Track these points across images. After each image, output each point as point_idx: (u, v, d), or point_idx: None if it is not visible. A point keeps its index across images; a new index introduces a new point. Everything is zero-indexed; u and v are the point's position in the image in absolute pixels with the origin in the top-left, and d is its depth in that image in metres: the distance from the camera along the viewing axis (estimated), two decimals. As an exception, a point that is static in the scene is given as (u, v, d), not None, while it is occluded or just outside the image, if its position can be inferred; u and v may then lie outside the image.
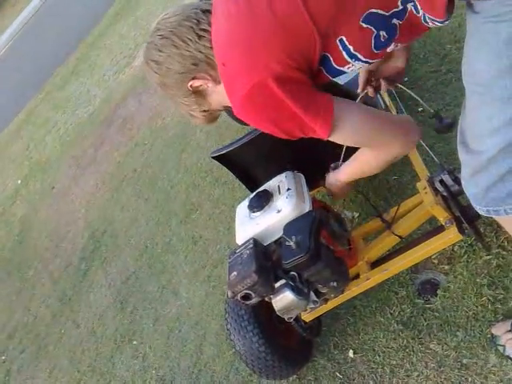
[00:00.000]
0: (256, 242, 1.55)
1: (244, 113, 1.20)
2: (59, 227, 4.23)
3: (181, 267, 2.81)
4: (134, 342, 2.69)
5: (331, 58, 1.17)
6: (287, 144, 1.33)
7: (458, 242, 1.68)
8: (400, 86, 1.64)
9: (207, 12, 1.25)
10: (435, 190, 1.60)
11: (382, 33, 1.13)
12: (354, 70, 1.22)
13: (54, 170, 5.17)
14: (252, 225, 1.61)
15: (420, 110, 2.31)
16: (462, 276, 1.75)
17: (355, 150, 1.45)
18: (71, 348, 3.07)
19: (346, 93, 1.66)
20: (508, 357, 1.52)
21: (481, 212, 1.19)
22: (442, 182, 1.57)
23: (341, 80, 1.76)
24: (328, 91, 1.21)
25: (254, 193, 1.69)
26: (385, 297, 1.89)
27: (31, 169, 5.66)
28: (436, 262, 1.85)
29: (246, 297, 1.51)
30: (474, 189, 1.17)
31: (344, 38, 1.12)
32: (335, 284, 1.55)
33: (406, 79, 2.49)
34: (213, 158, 1.94)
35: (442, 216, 1.57)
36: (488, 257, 1.73)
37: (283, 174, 1.68)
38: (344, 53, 1.15)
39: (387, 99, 2.14)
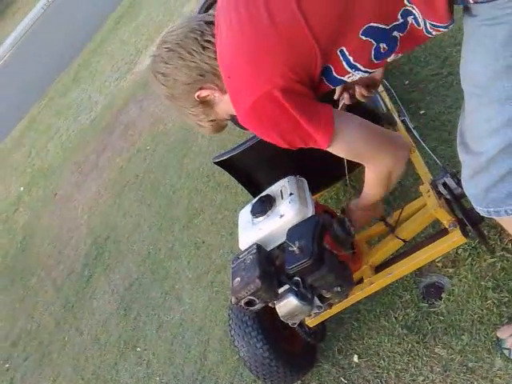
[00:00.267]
0: (259, 248, 1.54)
1: (249, 123, 1.22)
2: (62, 234, 4.23)
3: (184, 273, 2.80)
4: (138, 349, 2.68)
5: (332, 69, 1.18)
6: (289, 149, 1.33)
7: (461, 244, 1.67)
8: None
9: (211, 24, 1.27)
10: (438, 193, 1.60)
11: (382, 45, 1.15)
12: (354, 79, 1.23)
13: (56, 177, 5.18)
14: (255, 230, 1.61)
15: (422, 112, 2.31)
16: (467, 279, 1.74)
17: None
18: (75, 355, 3.06)
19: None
20: (514, 360, 1.51)
21: (481, 213, 1.20)
22: (445, 184, 1.56)
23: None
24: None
25: (257, 198, 1.68)
26: (389, 301, 1.89)
27: (33, 176, 5.66)
28: (440, 265, 1.84)
29: (250, 303, 1.50)
30: (473, 190, 1.18)
31: (344, 49, 1.14)
32: (339, 289, 1.54)
33: (407, 82, 2.49)
34: (215, 163, 1.94)
35: (445, 219, 1.57)
36: (492, 259, 1.72)
37: (286, 179, 1.68)
38: (344, 63, 1.17)
39: (388, 102, 2.14)
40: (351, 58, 1.15)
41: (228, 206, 2.89)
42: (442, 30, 1.11)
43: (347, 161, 1.62)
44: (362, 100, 1.66)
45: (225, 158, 1.89)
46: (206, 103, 1.34)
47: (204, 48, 1.25)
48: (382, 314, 1.88)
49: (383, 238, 1.80)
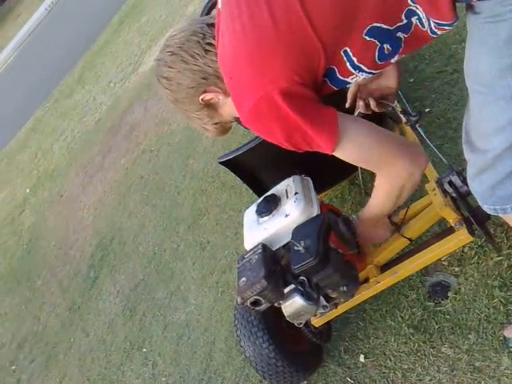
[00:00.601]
0: (264, 247, 1.54)
1: (251, 125, 1.21)
2: (68, 235, 4.24)
3: (189, 273, 2.80)
4: (144, 350, 2.69)
5: (336, 70, 1.17)
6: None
7: (468, 243, 1.66)
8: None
9: (212, 26, 1.27)
10: (444, 192, 1.59)
11: (386, 46, 1.13)
12: (357, 80, 1.22)
13: (61, 178, 5.19)
14: (260, 230, 1.60)
15: (427, 110, 2.30)
16: (473, 278, 1.73)
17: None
18: (81, 356, 3.06)
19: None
20: (521, 359, 1.50)
21: (488, 210, 1.20)
22: (450, 183, 1.55)
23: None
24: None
25: (262, 197, 1.68)
26: (395, 300, 1.88)
27: (39, 177, 5.68)
28: (446, 263, 1.83)
29: (256, 303, 1.50)
30: (479, 187, 1.18)
31: (348, 50, 1.12)
32: (345, 288, 1.53)
33: (412, 80, 2.48)
34: (220, 163, 1.94)
35: (451, 217, 1.56)
36: (499, 258, 1.71)
37: (291, 178, 1.67)
38: (348, 64, 1.15)
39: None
40: (355, 59, 1.14)
41: (233, 206, 2.89)
42: (446, 28, 1.10)
43: None
44: (378, 111, 1.59)
45: (230, 157, 1.89)
46: (210, 106, 1.34)
47: (206, 51, 1.26)
48: (388, 314, 1.87)
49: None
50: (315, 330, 1.77)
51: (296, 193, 1.59)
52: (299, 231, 1.51)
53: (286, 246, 1.57)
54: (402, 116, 1.68)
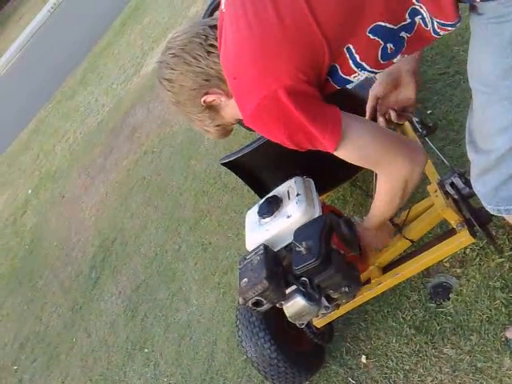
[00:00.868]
0: (266, 248, 1.54)
1: (255, 124, 1.21)
2: (69, 236, 4.25)
3: (191, 274, 2.81)
4: (146, 350, 2.69)
5: (338, 68, 1.17)
6: (296, 150, 1.33)
7: (469, 245, 1.66)
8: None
9: (214, 27, 1.27)
10: (446, 193, 1.59)
11: (389, 45, 1.14)
12: (359, 79, 1.22)
13: (63, 179, 5.21)
14: (262, 231, 1.61)
15: (429, 112, 2.30)
16: (475, 279, 1.74)
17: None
18: (83, 357, 3.07)
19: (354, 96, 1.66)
20: (523, 360, 1.51)
21: (491, 211, 1.19)
22: (452, 184, 1.55)
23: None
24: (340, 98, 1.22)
25: (264, 199, 1.69)
26: (397, 301, 1.88)
27: (41, 178, 5.69)
28: (448, 265, 1.83)
29: (257, 303, 1.50)
30: (483, 188, 1.17)
31: (351, 47, 1.12)
32: (347, 289, 1.54)
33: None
34: (222, 164, 1.94)
35: (453, 219, 1.56)
36: (500, 259, 1.71)
37: (292, 180, 1.68)
38: (351, 61, 1.15)
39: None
40: (358, 57, 1.14)
41: (235, 208, 2.90)
42: (449, 28, 1.10)
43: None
44: (399, 122, 1.58)
45: (232, 159, 1.89)
46: (212, 108, 1.34)
47: (209, 53, 1.26)
48: (389, 315, 1.87)
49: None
50: (317, 331, 1.77)
51: (298, 194, 1.60)
52: (301, 232, 1.51)
53: (288, 247, 1.57)
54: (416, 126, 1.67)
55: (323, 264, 1.43)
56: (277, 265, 1.53)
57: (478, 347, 1.61)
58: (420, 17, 1.09)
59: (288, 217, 1.56)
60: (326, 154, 1.50)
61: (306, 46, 1.11)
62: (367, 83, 1.80)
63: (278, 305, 1.54)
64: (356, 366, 1.85)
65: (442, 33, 1.12)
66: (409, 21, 1.10)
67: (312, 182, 1.71)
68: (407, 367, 1.72)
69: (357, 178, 2.24)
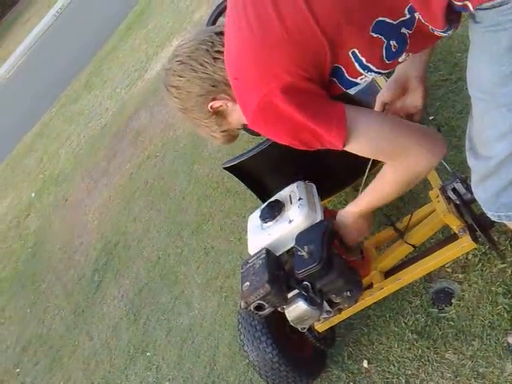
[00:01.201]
0: (268, 252, 1.55)
1: (257, 125, 1.21)
2: (72, 239, 4.26)
3: (193, 278, 2.81)
4: (148, 354, 2.69)
5: (344, 70, 1.17)
6: (298, 154, 1.33)
7: (471, 250, 1.67)
8: None
9: (220, 34, 1.29)
10: (448, 199, 1.60)
11: (393, 42, 1.14)
12: (366, 80, 1.22)
13: (67, 183, 5.22)
14: (264, 235, 1.61)
15: (431, 118, 2.31)
16: (477, 285, 1.74)
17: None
18: (85, 360, 3.07)
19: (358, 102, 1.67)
20: (524, 366, 1.50)
21: (492, 217, 1.20)
22: (454, 190, 1.56)
23: (351, 90, 1.76)
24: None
25: (266, 203, 1.69)
26: (399, 306, 1.88)
27: (45, 182, 5.71)
28: (450, 270, 1.83)
29: (259, 307, 1.51)
30: (483, 194, 1.18)
31: (356, 50, 1.13)
32: (348, 294, 1.54)
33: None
34: (224, 168, 1.95)
35: (455, 224, 1.56)
36: (503, 265, 1.72)
37: (294, 184, 1.68)
38: (357, 64, 1.16)
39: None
40: (363, 59, 1.14)
41: (237, 212, 2.90)
42: (441, 33, 1.11)
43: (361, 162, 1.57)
44: None
45: (234, 163, 1.90)
46: (218, 114, 1.35)
47: (215, 59, 1.27)
48: (391, 320, 1.87)
49: (392, 244, 1.80)
50: (319, 335, 1.77)
51: (300, 198, 1.60)
52: (303, 237, 1.52)
53: (290, 252, 1.58)
54: None
55: (325, 268, 1.44)
56: (279, 269, 1.54)
57: (480, 352, 1.61)
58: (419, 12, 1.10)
59: (290, 221, 1.57)
60: (328, 158, 1.51)
61: (306, 46, 1.12)
62: (371, 89, 1.81)
63: (279, 309, 1.55)
64: (358, 370, 1.85)
65: (436, 33, 1.13)
66: (408, 16, 1.10)
67: (314, 187, 1.72)
68: (409, 372, 1.72)
69: (359, 183, 2.24)
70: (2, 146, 7.99)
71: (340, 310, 1.65)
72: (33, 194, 5.68)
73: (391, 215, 2.03)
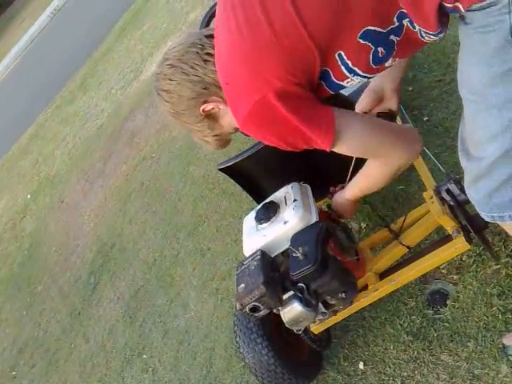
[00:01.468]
0: (263, 254, 1.55)
1: (248, 129, 1.22)
2: (68, 241, 4.25)
3: (189, 280, 2.81)
4: (144, 356, 2.69)
5: (331, 73, 1.18)
6: (293, 155, 1.33)
7: (466, 251, 1.67)
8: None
9: (210, 37, 1.29)
10: (442, 200, 1.60)
11: (380, 49, 1.15)
12: (352, 84, 1.23)
13: (62, 184, 5.21)
14: (259, 236, 1.61)
15: (425, 119, 2.31)
16: (472, 286, 1.74)
17: (363, 163, 1.45)
18: (81, 363, 3.06)
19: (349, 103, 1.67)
20: (520, 367, 1.51)
21: (486, 218, 1.20)
22: (448, 191, 1.56)
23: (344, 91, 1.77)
24: (332, 102, 1.23)
25: (261, 204, 1.69)
26: (394, 308, 1.88)
27: (40, 183, 5.70)
28: (445, 271, 1.83)
29: (255, 309, 1.50)
30: (476, 195, 1.19)
31: (342, 53, 1.14)
32: (343, 295, 1.54)
33: (410, 89, 2.50)
34: (219, 169, 1.95)
35: (449, 225, 1.57)
36: (497, 266, 1.72)
37: (289, 185, 1.68)
38: (343, 67, 1.16)
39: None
40: (350, 63, 1.15)
41: (233, 213, 2.90)
42: (432, 37, 1.12)
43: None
44: None
45: (229, 164, 1.90)
46: (210, 117, 1.35)
47: (205, 61, 1.27)
48: (387, 321, 1.87)
49: (387, 245, 1.80)
50: (314, 337, 1.77)
51: (295, 200, 1.60)
52: (298, 238, 1.52)
53: (285, 253, 1.58)
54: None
55: (320, 270, 1.44)
56: (274, 270, 1.53)
57: (475, 354, 1.61)
58: (408, 20, 1.10)
59: (285, 222, 1.57)
60: (322, 159, 1.51)
61: (295, 51, 1.12)
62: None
63: (275, 310, 1.55)
64: (354, 372, 1.85)
65: (427, 38, 1.14)
66: (397, 24, 1.11)
67: (309, 188, 1.72)
68: (405, 374, 1.72)
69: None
70: (-3, 148, 7.97)
71: (335, 312, 1.64)
72: (28, 196, 5.67)
73: (386, 216, 2.04)
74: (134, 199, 3.88)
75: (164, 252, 3.15)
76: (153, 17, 6.61)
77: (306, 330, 1.73)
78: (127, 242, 3.54)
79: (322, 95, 1.23)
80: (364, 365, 1.84)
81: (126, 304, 3.09)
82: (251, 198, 2.08)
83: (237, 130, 1.36)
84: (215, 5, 2.55)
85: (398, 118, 2.11)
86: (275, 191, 1.72)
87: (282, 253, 1.59)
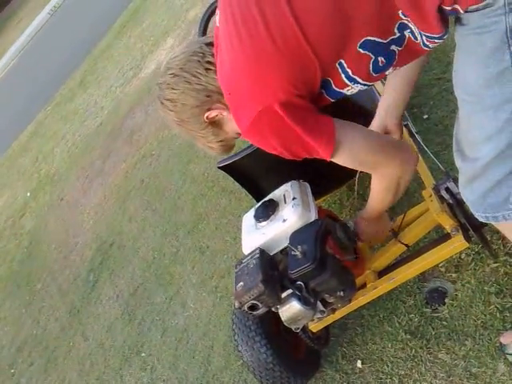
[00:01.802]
0: (262, 252, 1.55)
1: (251, 137, 1.24)
2: (68, 239, 4.25)
3: (188, 278, 2.81)
4: (143, 354, 2.69)
5: (332, 82, 1.19)
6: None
7: (465, 249, 1.67)
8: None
9: (210, 45, 1.30)
10: (441, 198, 1.60)
11: (381, 58, 1.15)
12: (353, 92, 1.24)
13: (62, 182, 5.21)
14: (258, 234, 1.61)
15: (425, 117, 2.31)
16: (470, 284, 1.74)
17: None
18: (80, 360, 3.07)
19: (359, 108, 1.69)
20: (517, 365, 1.51)
21: (480, 218, 1.21)
22: (447, 189, 1.57)
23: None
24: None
25: (260, 202, 1.69)
26: (392, 306, 1.88)
27: (40, 181, 5.70)
28: (443, 270, 1.84)
29: (253, 307, 1.51)
30: (471, 196, 1.19)
31: (343, 62, 1.14)
32: (342, 293, 1.54)
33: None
34: (219, 167, 1.95)
35: (447, 224, 1.57)
36: (495, 264, 1.72)
37: (289, 184, 1.68)
38: (343, 76, 1.17)
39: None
40: (350, 71, 1.16)
41: (232, 211, 2.90)
42: (437, 41, 1.11)
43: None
44: None
45: (229, 162, 1.90)
46: (214, 124, 1.36)
47: (207, 70, 1.28)
48: (385, 319, 1.87)
49: (386, 243, 1.80)
50: (313, 335, 1.77)
51: (294, 198, 1.60)
52: (297, 236, 1.52)
53: (284, 251, 1.58)
54: None
55: (318, 268, 1.44)
56: (272, 269, 1.54)
57: (473, 352, 1.62)
58: (409, 31, 1.10)
59: (284, 221, 1.57)
60: (321, 158, 1.51)
61: (297, 64, 1.13)
62: (371, 98, 1.83)
63: (273, 309, 1.55)
64: (352, 370, 1.85)
65: (431, 45, 1.14)
66: (398, 35, 1.11)
67: (308, 186, 1.72)
68: (402, 372, 1.73)
69: (353, 183, 2.24)
70: (-3, 146, 7.97)
71: (334, 310, 1.65)
72: (28, 194, 5.67)
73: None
74: (134, 197, 3.88)
75: (163, 250, 3.15)
76: (152, 14, 6.60)
77: (305, 329, 1.73)
78: (126, 240, 3.54)
79: (322, 103, 1.24)
80: (362, 363, 1.84)
81: (124, 302, 3.10)
82: (250, 196, 2.08)
83: (240, 134, 1.37)
84: (215, 2, 2.54)
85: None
86: (274, 189, 1.72)
87: (281, 251, 1.59)
